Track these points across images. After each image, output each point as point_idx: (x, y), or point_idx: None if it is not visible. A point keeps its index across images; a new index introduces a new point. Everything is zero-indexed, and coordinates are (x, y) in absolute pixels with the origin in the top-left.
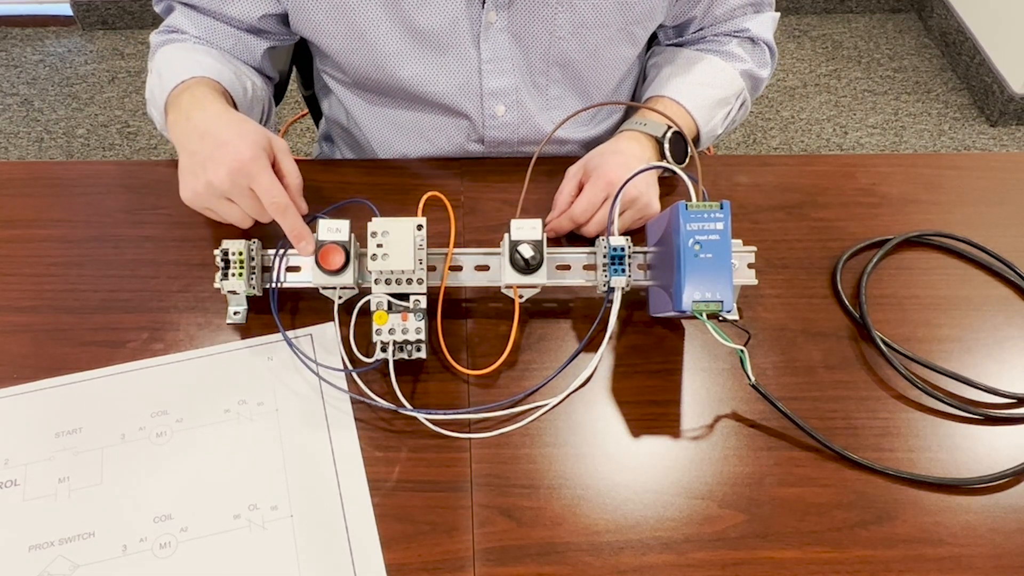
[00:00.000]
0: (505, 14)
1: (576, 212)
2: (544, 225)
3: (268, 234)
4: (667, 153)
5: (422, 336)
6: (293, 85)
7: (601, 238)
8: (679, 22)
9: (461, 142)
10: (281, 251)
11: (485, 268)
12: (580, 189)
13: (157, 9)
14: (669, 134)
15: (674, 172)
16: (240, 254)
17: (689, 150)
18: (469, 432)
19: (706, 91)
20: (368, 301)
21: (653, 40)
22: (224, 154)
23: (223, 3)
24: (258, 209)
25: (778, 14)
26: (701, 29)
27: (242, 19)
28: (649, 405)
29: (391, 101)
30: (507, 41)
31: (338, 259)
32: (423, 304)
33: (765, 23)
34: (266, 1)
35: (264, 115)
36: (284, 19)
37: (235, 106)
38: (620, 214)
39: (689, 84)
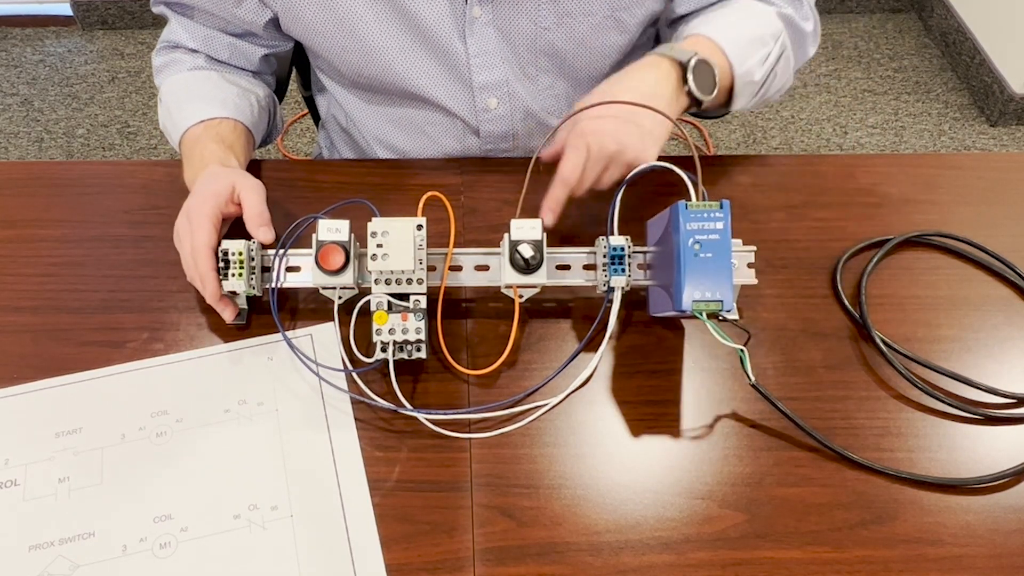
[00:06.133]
0: (489, 8)
1: (565, 174)
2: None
3: None
4: (691, 81)
5: (422, 336)
6: (293, 85)
7: (601, 238)
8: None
9: (458, 135)
10: (281, 251)
11: (485, 268)
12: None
13: (155, 10)
14: (694, 61)
15: (673, 171)
16: (240, 254)
17: (717, 80)
18: (469, 432)
19: (738, 27)
20: (368, 301)
21: (649, 33)
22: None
23: (222, 5)
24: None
25: None
26: None
27: (242, 24)
28: (649, 405)
29: (386, 99)
30: (493, 35)
31: (338, 259)
32: (423, 304)
33: None
34: (258, 10)
35: (271, 119)
36: (277, 23)
37: (247, 128)
38: (600, 172)
39: (717, 22)
